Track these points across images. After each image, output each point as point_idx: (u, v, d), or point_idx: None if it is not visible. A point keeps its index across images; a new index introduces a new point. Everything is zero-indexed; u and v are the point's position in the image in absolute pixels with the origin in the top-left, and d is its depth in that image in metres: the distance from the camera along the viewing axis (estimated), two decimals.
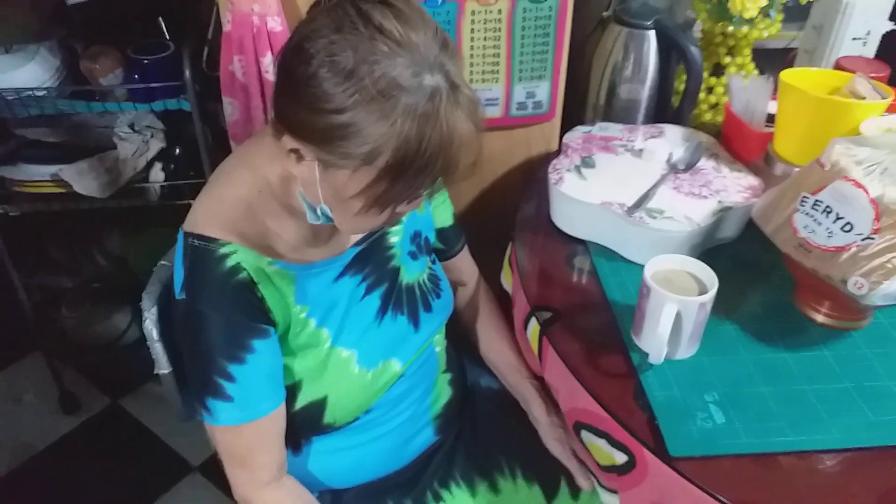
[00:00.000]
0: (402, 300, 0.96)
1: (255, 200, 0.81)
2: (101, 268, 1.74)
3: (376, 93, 0.67)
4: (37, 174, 1.48)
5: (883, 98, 0.98)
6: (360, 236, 0.92)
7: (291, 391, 0.87)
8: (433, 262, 1.05)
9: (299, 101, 0.70)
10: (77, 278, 1.73)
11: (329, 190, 0.76)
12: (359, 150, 0.69)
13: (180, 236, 0.81)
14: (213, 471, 1.69)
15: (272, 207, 0.82)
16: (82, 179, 1.45)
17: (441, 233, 1.07)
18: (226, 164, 0.86)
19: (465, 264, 1.14)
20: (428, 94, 0.68)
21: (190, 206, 0.84)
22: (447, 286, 1.05)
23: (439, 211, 1.06)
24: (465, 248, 1.13)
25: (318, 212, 0.80)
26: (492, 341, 1.12)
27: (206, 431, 0.86)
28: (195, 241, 0.79)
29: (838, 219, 0.83)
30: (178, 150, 1.54)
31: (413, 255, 0.99)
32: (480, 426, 1.08)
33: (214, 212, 0.80)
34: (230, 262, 0.78)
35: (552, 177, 1.07)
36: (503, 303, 1.15)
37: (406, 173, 0.70)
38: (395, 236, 0.95)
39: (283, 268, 0.82)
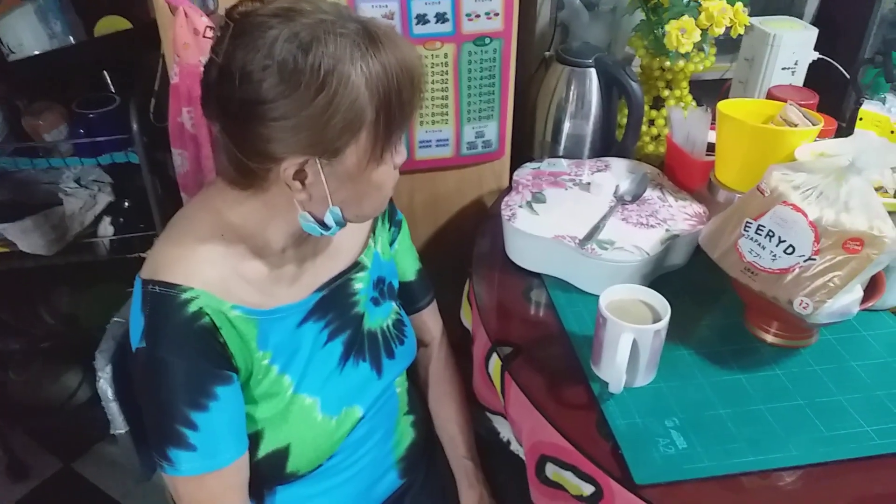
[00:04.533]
0: (364, 347, 0.95)
1: (218, 244, 0.80)
2: (49, 327, 1.69)
3: (331, 65, 0.69)
4: None
5: (814, 124, 1.03)
6: (321, 282, 0.90)
7: (253, 439, 0.85)
8: (400, 307, 1.05)
9: (271, 119, 0.71)
10: (24, 339, 1.68)
11: (341, 182, 0.77)
12: (350, 115, 0.71)
13: (137, 284, 0.80)
14: None
15: (235, 250, 0.81)
16: (27, 237, 1.41)
17: (404, 286, 1.07)
18: (186, 209, 0.86)
19: (428, 322, 1.12)
20: (361, 33, 0.72)
21: (140, 259, 0.82)
22: (412, 332, 1.05)
23: (402, 260, 1.07)
24: (432, 306, 1.13)
25: (329, 219, 0.80)
26: (440, 409, 1.12)
27: (162, 491, 0.84)
28: (155, 287, 0.77)
29: (781, 242, 0.86)
30: (126, 203, 1.52)
31: (375, 301, 0.98)
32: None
33: (175, 257, 0.79)
34: (192, 308, 0.77)
35: (505, 213, 1.09)
36: (462, 339, 1.16)
37: (391, 104, 0.74)
38: (360, 283, 0.95)
39: (244, 313, 0.81)
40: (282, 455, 0.86)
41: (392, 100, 0.73)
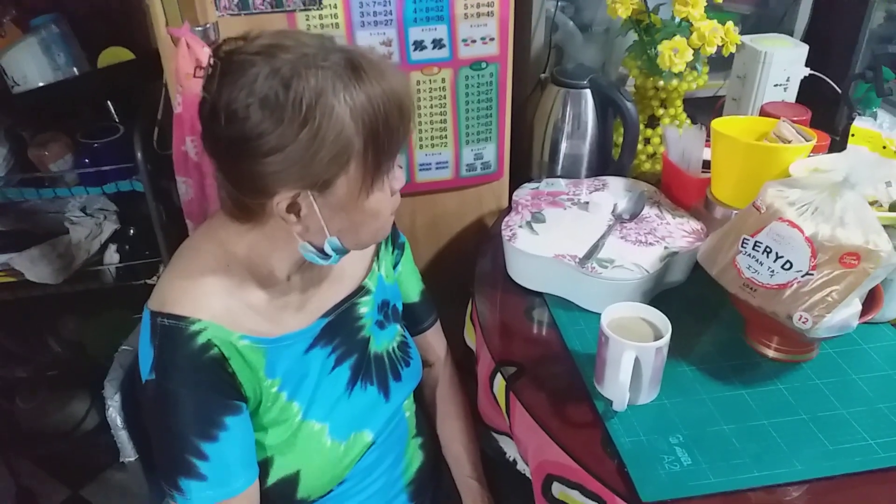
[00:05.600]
0: (371, 371, 0.96)
1: (223, 275, 0.82)
2: (56, 355, 1.70)
3: (313, 98, 0.70)
4: None
5: (807, 140, 1.04)
6: (327, 307, 0.91)
7: (263, 467, 0.86)
8: (404, 329, 1.06)
9: (260, 156, 0.71)
10: (32, 367, 1.69)
11: (335, 212, 0.77)
12: (337, 147, 0.71)
13: (146, 316, 0.80)
14: None
15: (241, 280, 0.83)
16: (34, 267, 1.43)
17: (408, 308, 1.08)
18: (191, 241, 0.87)
19: (433, 342, 1.13)
20: (344, 64, 0.72)
21: (146, 285, 0.84)
22: (417, 353, 1.06)
23: (405, 282, 1.08)
24: (436, 326, 1.13)
25: (328, 248, 0.80)
26: (445, 428, 1.12)
27: None
28: (164, 319, 0.78)
29: (778, 258, 0.87)
30: (132, 231, 1.53)
31: (381, 325, 0.99)
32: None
33: (182, 288, 0.80)
34: (201, 339, 0.78)
35: (505, 233, 1.10)
36: (466, 359, 1.16)
37: (379, 133, 0.73)
38: (365, 307, 0.96)
39: (253, 342, 0.82)
40: (292, 482, 0.87)
41: (379, 129, 0.73)
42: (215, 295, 0.80)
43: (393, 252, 1.04)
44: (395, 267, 1.05)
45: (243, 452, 0.82)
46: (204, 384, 0.78)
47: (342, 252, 0.83)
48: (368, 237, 0.84)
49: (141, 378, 0.81)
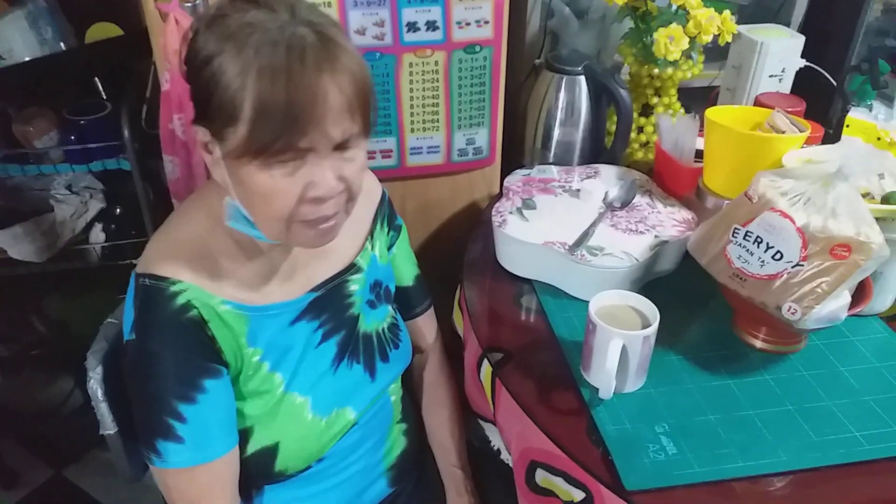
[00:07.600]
0: (358, 349, 0.95)
1: (209, 238, 0.82)
2: (40, 334, 1.69)
3: (235, 30, 0.69)
4: None
5: (801, 131, 1.04)
6: (316, 282, 0.90)
7: (243, 436, 0.85)
8: (396, 311, 1.05)
9: (193, 72, 0.73)
10: (15, 346, 1.67)
11: (231, 172, 0.75)
12: (226, 97, 0.69)
13: (132, 279, 0.81)
14: None
15: (225, 245, 0.82)
16: (18, 244, 1.41)
17: (401, 291, 1.07)
18: (181, 206, 0.87)
19: (424, 328, 1.12)
20: (291, 41, 0.68)
21: (132, 265, 0.83)
22: (407, 337, 1.05)
23: (400, 265, 1.06)
24: (429, 312, 1.12)
25: (231, 208, 0.78)
26: (432, 415, 1.11)
27: (156, 500, 0.84)
28: (146, 280, 0.78)
29: (769, 248, 0.87)
30: (118, 210, 1.52)
31: (371, 304, 0.99)
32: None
33: (167, 250, 0.80)
34: (180, 300, 0.77)
35: (496, 219, 1.09)
36: (454, 345, 1.16)
37: (268, 113, 0.69)
38: (356, 285, 0.95)
39: (235, 308, 0.81)
40: (270, 453, 0.87)
41: (269, 110, 0.68)
42: (199, 258, 0.80)
43: (388, 233, 1.04)
44: (389, 249, 1.04)
45: (223, 418, 0.82)
46: (183, 345, 0.78)
47: (247, 223, 0.79)
48: (263, 222, 0.77)
49: (123, 341, 0.80)
